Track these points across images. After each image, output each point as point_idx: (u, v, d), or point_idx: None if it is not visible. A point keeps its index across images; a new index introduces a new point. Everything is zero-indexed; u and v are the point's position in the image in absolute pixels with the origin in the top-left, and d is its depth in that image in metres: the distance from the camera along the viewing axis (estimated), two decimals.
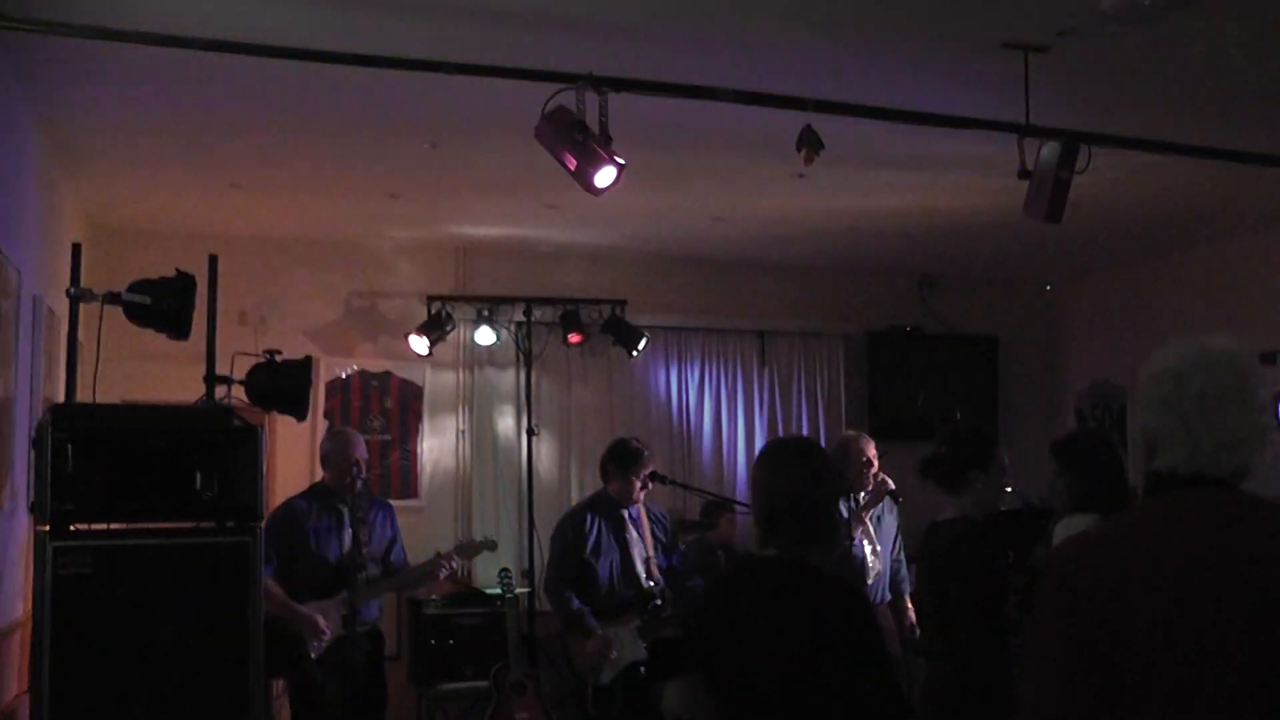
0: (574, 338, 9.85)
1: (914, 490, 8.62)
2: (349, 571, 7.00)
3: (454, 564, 7.66)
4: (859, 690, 3.50)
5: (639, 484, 7.38)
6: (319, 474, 7.73)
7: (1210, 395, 2.74)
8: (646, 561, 7.32)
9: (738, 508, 9.08)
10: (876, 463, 7.94)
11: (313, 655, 6.89)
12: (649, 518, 7.51)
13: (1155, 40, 5.49)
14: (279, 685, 7.10)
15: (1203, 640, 2.48)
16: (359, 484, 7.19)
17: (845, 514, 7.86)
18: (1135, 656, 2.49)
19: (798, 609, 3.64)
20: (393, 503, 8.01)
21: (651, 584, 7.26)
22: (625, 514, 7.41)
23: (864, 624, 3.62)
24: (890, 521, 8.09)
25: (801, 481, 3.77)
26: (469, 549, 8.06)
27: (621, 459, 7.47)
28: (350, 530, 7.12)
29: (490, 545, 8.18)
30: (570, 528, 7.51)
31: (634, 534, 7.38)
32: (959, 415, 11.10)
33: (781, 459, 3.90)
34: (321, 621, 6.95)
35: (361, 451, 7.35)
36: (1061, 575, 2.66)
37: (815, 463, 3.84)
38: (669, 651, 6.53)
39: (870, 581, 7.83)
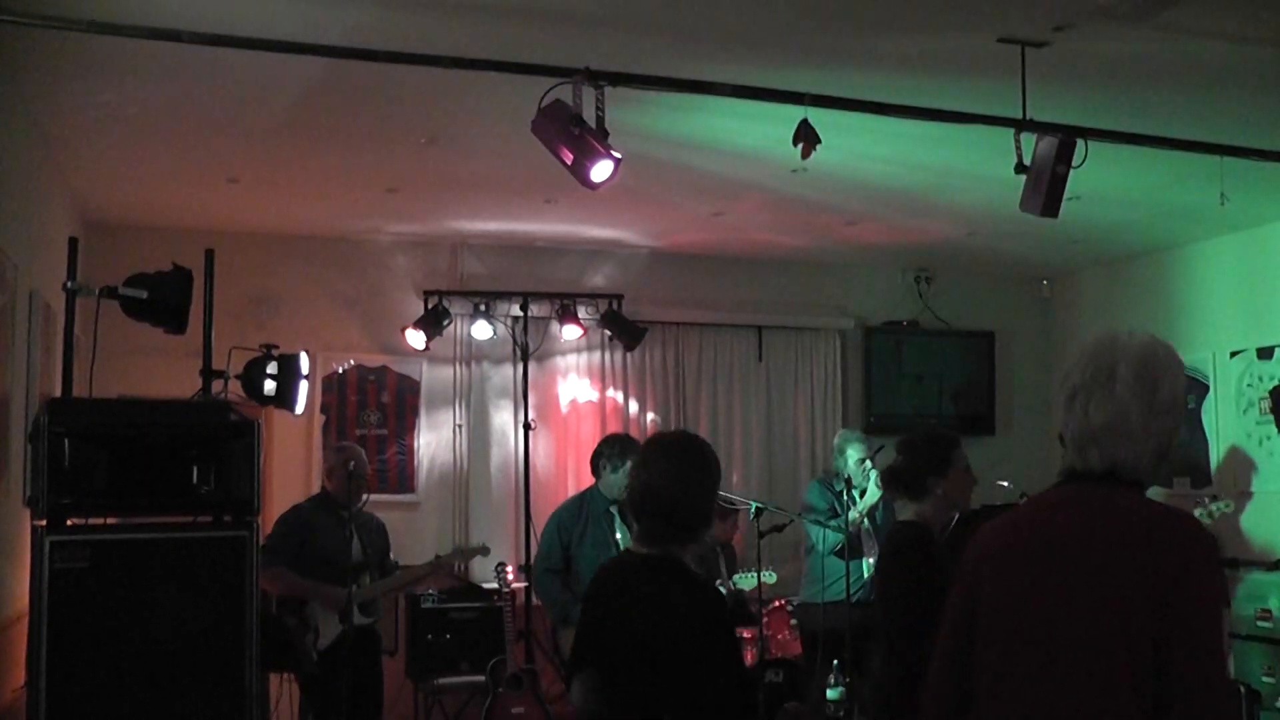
0: (571, 332, 9.84)
1: None
2: (351, 571, 7.15)
3: (448, 569, 7.81)
4: (706, 685, 3.50)
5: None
6: (316, 468, 7.78)
7: (1078, 389, 2.85)
8: None
9: (738, 505, 9.05)
10: (870, 460, 7.97)
11: (321, 647, 6.99)
12: None
13: (1151, 35, 5.49)
14: (277, 680, 7.17)
15: (998, 615, 2.87)
16: (362, 496, 7.38)
17: (837, 508, 7.88)
18: (980, 618, 2.90)
19: (651, 603, 3.65)
20: (389, 498, 8.06)
21: None
22: (614, 509, 7.41)
23: (713, 621, 3.61)
24: (887, 518, 8.11)
25: (666, 479, 3.71)
26: (463, 554, 8.16)
27: (609, 454, 7.48)
28: (351, 536, 7.29)
29: (484, 551, 8.27)
30: (556, 521, 7.56)
31: (621, 531, 7.37)
32: (956, 411, 11.18)
33: (648, 456, 3.84)
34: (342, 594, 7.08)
35: (363, 467, 7.47)
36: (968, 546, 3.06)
37: (682, 461, 3.76)
38: None
39: (866, 577, 7.85)
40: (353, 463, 7.38)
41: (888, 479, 5.31)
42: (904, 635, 4.81)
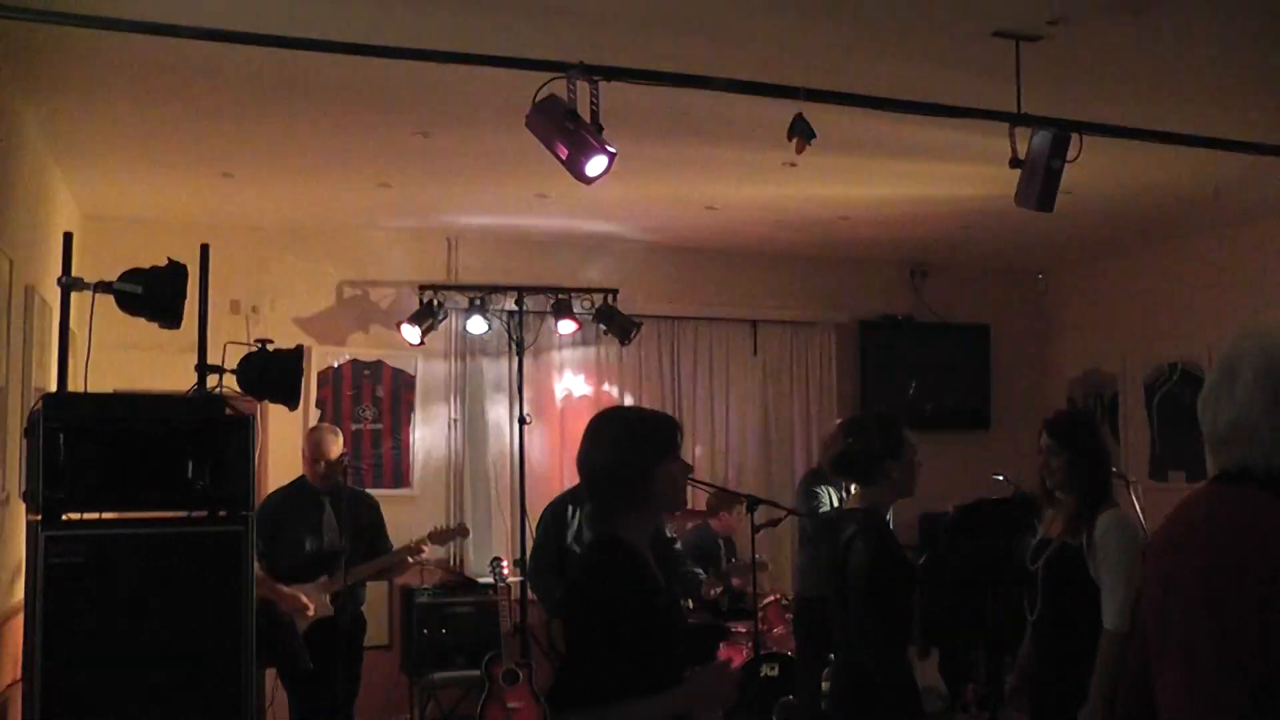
0: (566, 327, 9.84)
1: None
2: (328, 558, 7.25)
3: (424, 551, 7.83)
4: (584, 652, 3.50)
5: None
6: None
7: (1208, 392, 2.83)
8: None
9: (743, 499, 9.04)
10: None
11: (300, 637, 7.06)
12: None
13: (1146, 29, 5.50)
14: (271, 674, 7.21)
15: (1146, 619, 2.80)
16: (338, 479, 7.47)
17: (833, 501, 7.88)
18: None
19: (577, 584, 3.75)
20: (385, 492, 8.07)
21: None
22: None
23: (586, 594, 3.60)
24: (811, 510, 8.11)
25: (593, 455, 3.68)
26: (442, 536, 8.16)
27: None
28: (329, 520, 7.36)
29: (463, 532, 8.30)
30: (551, 516, 7.54)
31: None
32: (951, 405, 11.19)
33: (586, 434, 3.79)
34: (303, 597, 7.13)
35: (332, 448, 7.50)
36: None
37: (605, 435, 3.71)
38: None
39: None
40: (345, 454, 7.44)
41: (838, 465, 5.22)
42: (871, 627, 4.76)
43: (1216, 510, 2.71)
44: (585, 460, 3.67)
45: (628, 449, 3.62)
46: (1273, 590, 2.51)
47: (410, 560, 7.84)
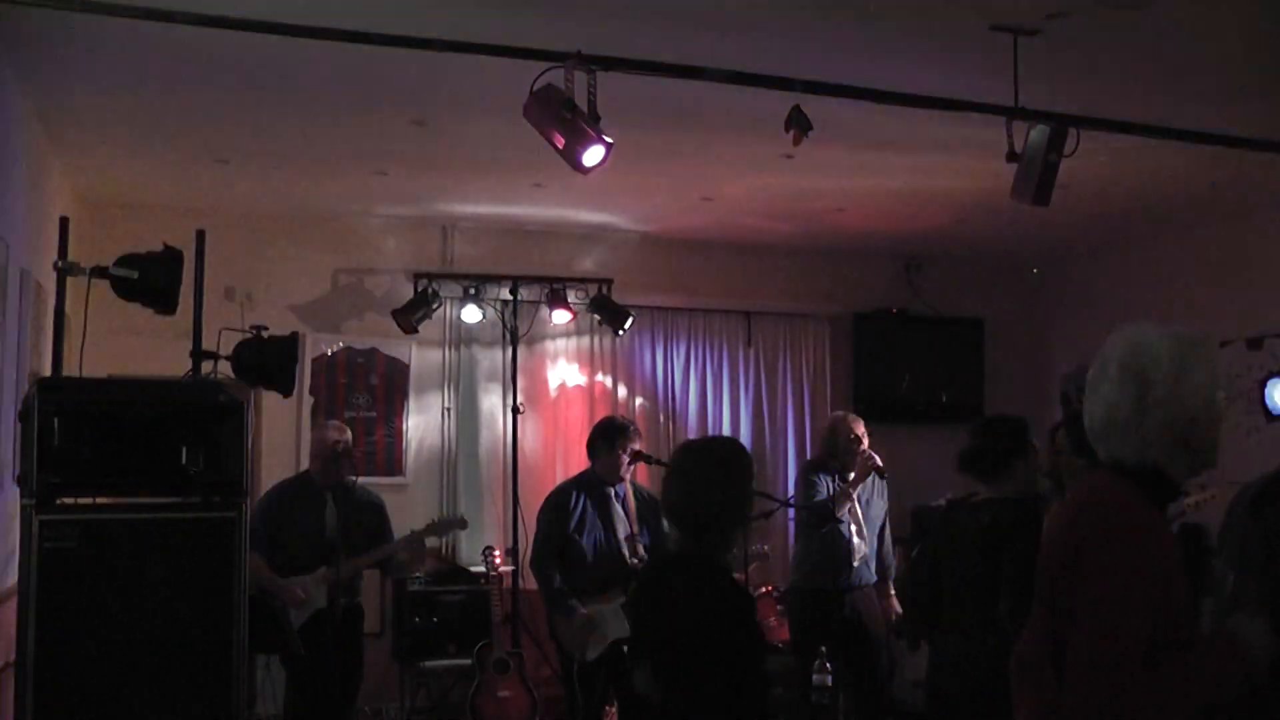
0: (560, 316, 9.84)
1: (901, 470, 8.72)
2: (329, 550, 7.13)
3: (426, 542, 7.77)
4: (714, 682, 3.66)
5: (625, 459, 7.35)
6: (305, 449, 7.78)
7: (1088, 385, 2.96)
8: (631, 540, 7.30)
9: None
10: (865, 440, 7.97)
11: (294, 625, 7.00)
12: (637, 498, 7.49)
13: (1144, 23, 5.50)
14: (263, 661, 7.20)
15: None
16: (345, 475, 7.35)
17: (831, 490, 7.89)
18: None
19: (683, 601, 3.81)
20: (378, 480, 8.05)
21: (635, 561, 7.25)
22: (611, 492, 7.39)
23: (734, 621, 3.74)
24: (880, 505, 8.14)
25: (692, 484, 3.88)
26: (440, 527, 8.08)
27: (607, 433, 7.46)
28: (331, 514, 7.26)
29: (460, 524, 8.25)
30: (555, 504, 7.49)
31: (619, 512, 7.36)
32: (944, 398, 11.20)
33: (679, 462, 4.03)
34: (299, 591, 7.08)
35: (334, 436, 7.43)
36: None
37: (705, 465, 3.92)
38: None
39: (856, 564, 7.86)
40: (340, 444, 7.39)
41: (966, 462, 5.40)
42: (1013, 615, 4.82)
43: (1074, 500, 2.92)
44: (708, 495, 3.83)
45: (731, 483, 3.86)
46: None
47: (410, 557, 7.78)
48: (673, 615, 3.76)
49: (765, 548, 9.34)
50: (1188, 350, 2.86)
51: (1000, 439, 5.19)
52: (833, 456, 8.05)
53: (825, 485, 7.96)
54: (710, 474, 3.84)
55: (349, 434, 7.58)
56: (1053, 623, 2.82)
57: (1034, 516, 5.02)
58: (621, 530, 7.31)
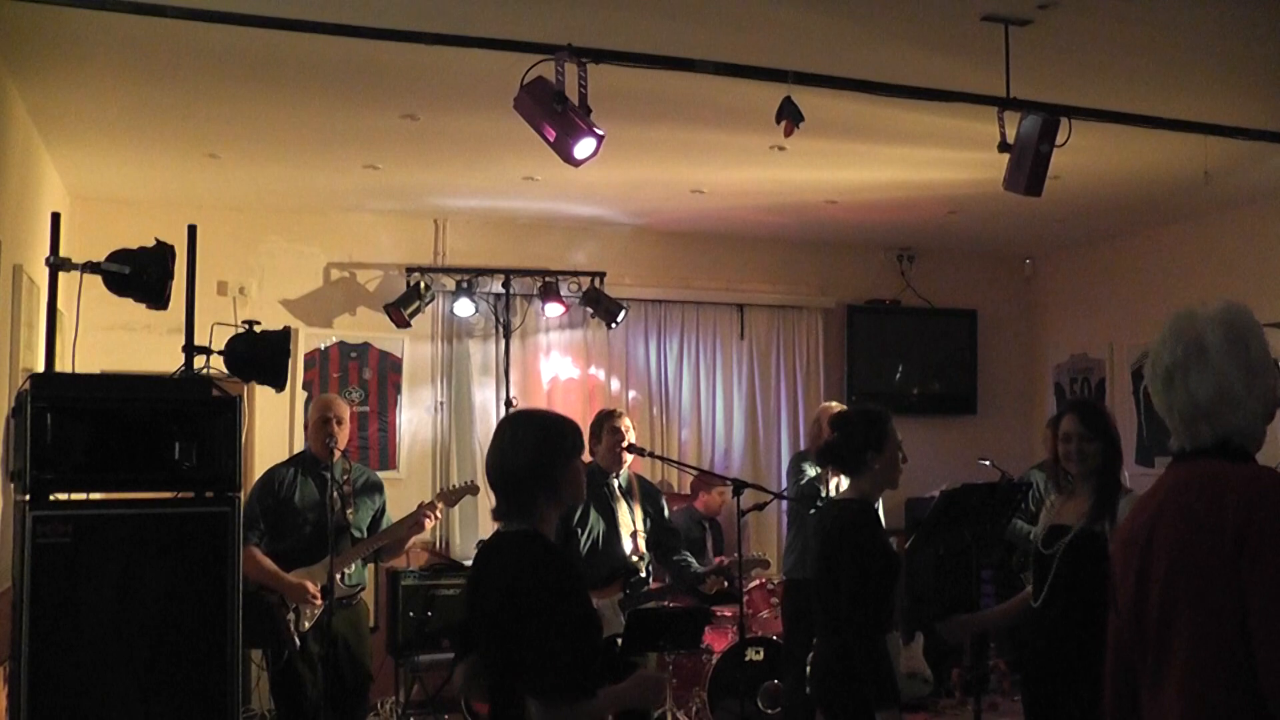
0: (553, 310, 9.84)
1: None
2: (332, 537, 6.93)
3: (438, 512, 7.53)
4: (530, 652, 3.63)
5: (618, 444, 7.29)
6: (298, 445, 7.69)
7: (1174, 369, 2.86)
8: (634, 535, 7.28)
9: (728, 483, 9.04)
10: None
11: (306, 625, 6.86)
12: (640, 491, 7.47)
13: (1136, 13, 5.51)
14: (260, 656, 7.10)
15: (1122, 596, 2.90)
16: (339, 453, 7.14)
17: (814, 474, 7.88)
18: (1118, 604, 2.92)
19: (499, 578, 3.77)
20: None
21: (636, 557, 7.24)
22: (615, 484, 7.35)
23: (544, 589, 3.69)
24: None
25: (512, 457, 3.84)
26: (452, 495, 7.89)
27: (593, 424, 7.42)
28: (331, 498, 7.06)
29: (473, 490, 8.04)
30: None
31: (622, 506, 7.34)
32: (937, 390, 11.22)
33: (499, 437, 3.95)
34: (311, 586, 6.89)
35: (334, 410, 7.21)
36: None
37: (525, 438, 3.86)
38: (645, 624, 6.57)
39: None
40: (331, 412, 7.19)
41: (823, 456, 5.30)
42: (855, 613, 4.78)
43: (1240, 481, 2.72)
44: (501, 461, 3.80)
45: (546, 450, 3.80)
46: None
47: (420, 523, 7.49)
48: (492, 594, 3.72)
49: (765, 556, 9.28)
50: (1256, 320, 2.87)
51: (854, 433, 5.04)
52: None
53: (813, 474, 7.95)
54: (522, 438, 3.81)
55: (342, 405, 7.32)
56: (1203, 621, 2.68)
57: (865, 521, 4.95)
58: (624, 525, 7.29)
